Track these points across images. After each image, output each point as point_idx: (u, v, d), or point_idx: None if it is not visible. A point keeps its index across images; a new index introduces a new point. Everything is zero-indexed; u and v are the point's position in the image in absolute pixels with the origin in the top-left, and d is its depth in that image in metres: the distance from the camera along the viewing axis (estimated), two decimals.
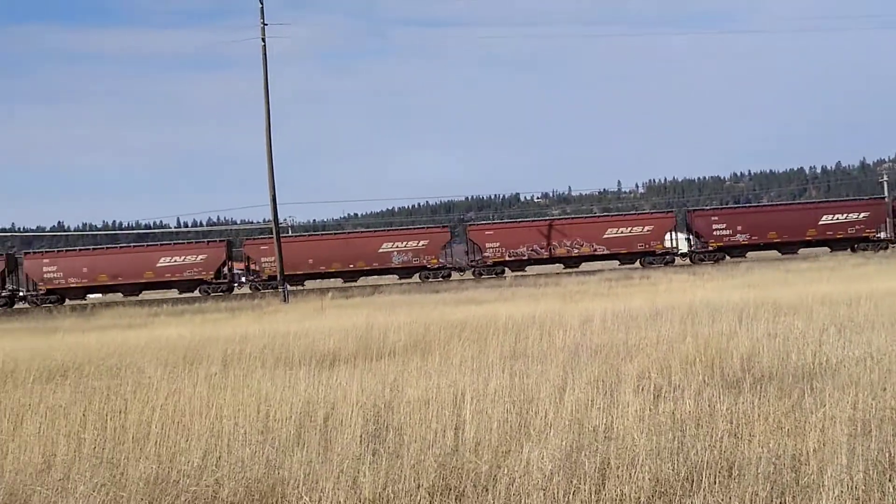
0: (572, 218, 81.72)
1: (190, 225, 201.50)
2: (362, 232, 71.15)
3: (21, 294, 60.63)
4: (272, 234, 55.11)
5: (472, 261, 62.87)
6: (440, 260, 62.06)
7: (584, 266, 61.66)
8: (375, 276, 63.51)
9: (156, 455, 8.59)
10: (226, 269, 61.77)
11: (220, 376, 13.10)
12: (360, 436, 9.01)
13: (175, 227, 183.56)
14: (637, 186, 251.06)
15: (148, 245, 66.93)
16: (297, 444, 8.82)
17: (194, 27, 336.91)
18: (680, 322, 17.08)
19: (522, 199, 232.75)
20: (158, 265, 60.60)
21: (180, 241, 73.24)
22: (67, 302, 58.02)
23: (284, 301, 45.69)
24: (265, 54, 52.71)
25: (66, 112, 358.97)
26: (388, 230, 74.24)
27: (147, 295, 61.01)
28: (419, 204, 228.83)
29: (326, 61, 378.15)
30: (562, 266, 62.60)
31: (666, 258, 61.63)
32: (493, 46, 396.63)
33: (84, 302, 57.95)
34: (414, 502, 7.31)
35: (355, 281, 61.03)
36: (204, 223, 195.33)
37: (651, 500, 7.21)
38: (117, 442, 9.34)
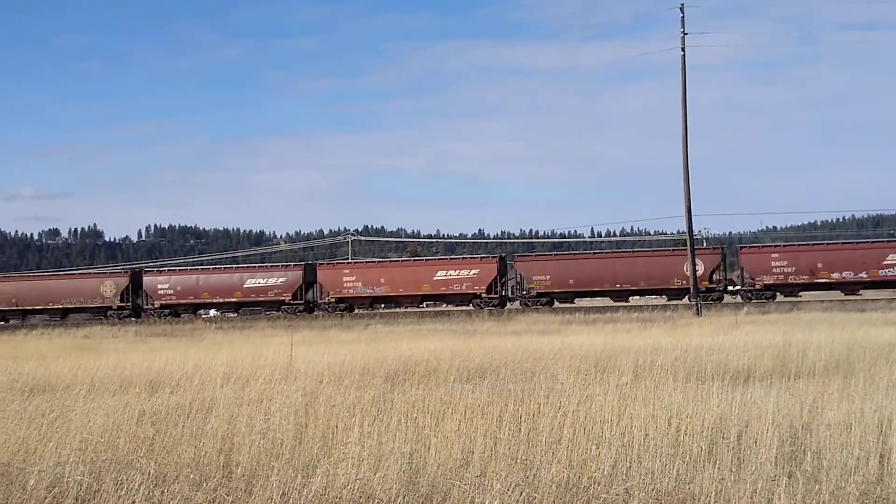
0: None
1: (603, 235, 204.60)
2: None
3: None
4: (685, 245, 54.51)
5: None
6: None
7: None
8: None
9: (567, 459, 8.73)
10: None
11: (630, 386, 13.12)
12: (776, 456, 8.68)
13: (588, 237, 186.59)
14: None
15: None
16: (708, 459, 8.64)
17: (614, 39, 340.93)
18: None
19: None
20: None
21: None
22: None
23: (697, 314, 45.13)
24: (684, 64, 52.31)
25: (485, 125, 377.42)
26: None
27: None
28: (844, 217, 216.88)
29: (751, 69, 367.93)
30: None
31: None
32: None
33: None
34: None
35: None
36: (617, 233, 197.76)
37: None
38: (530, 444, 9.59)
